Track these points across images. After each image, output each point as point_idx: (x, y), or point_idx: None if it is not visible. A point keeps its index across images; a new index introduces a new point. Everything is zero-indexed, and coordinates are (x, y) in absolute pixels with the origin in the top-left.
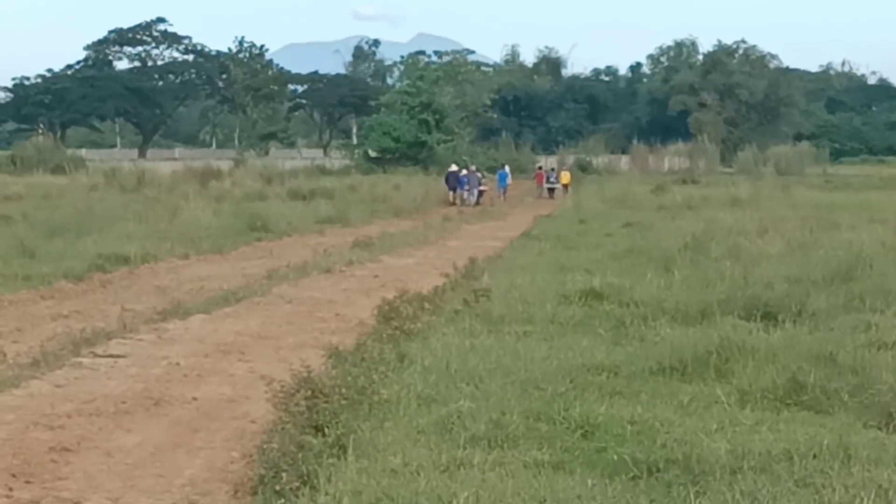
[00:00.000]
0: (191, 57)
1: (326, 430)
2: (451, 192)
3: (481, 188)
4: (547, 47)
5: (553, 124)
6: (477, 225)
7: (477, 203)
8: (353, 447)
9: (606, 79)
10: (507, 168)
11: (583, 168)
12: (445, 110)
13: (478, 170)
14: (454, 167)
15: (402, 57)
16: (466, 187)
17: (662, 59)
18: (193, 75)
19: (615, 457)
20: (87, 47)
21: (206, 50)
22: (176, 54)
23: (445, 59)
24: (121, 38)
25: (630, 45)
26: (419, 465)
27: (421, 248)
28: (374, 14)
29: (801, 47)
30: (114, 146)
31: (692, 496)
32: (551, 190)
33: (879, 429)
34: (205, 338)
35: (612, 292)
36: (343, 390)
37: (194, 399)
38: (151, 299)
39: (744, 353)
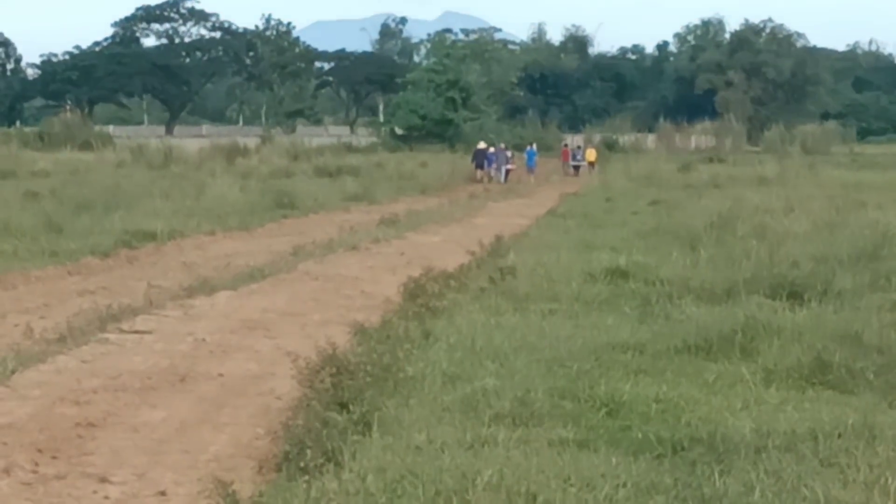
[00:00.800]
0: (218, 34)
1: (351, 406)
2: (478, 170)
3: (509, 166)
4: (574, 25)
5: (579, 103)
6: (503, 202)
7: (505, 181)
8: (377, 424)
9: (633, 57)
10: (534, 146)
11: (609, 146)
12: (472, 88)
13: (506, 148)
14: (482, 144)
15: (429, 35)
16: (494, 165)
17: (689, 37)
18: (220, 52)
19: (640, 435)
20: (115, 24)
21: (234, 27)
22: (203, 31)
23: (472, 37)
24: (148, 15)
25: (657, 24)
26: (444, 442)
27: (447, 225)
28: None
29: (828, 26)
30: (141, 123)
31: (717, 475)
32: (577, 167)
33: None
34: (231, 314)
35: (637, 270)
36: (368, 367)
37: (220, 375)
38: (178, 276)
39: (769, 331)
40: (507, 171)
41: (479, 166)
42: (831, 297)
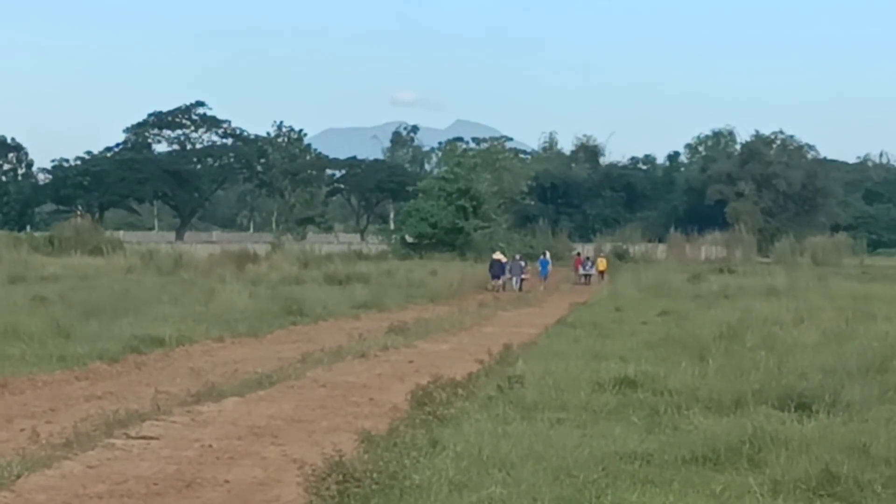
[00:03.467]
0: (229, 140)
1: None
2: (494, 280)
3: (524, 276)
4: (585, 135)
5: (590, 212)
6: (512, 311)
7: (520, 290)
8: None
9: (644, 167)
10: (547, 255)
11: (620, 256)
12: (483, 197)
13: (521, 258)
14: (498, 255)
15: (441, 143)
16: (509, 275)
17: (700, 148)
18: (232, 159)
19: None
20: (127, 130)
21: (245, 134)
22: (215, 138)
23: (483, 145)
24: (160, 121)
25: (668, 134)
26: None
27: (456, 333)
28: (412, 100)
29: (838, 138)
30: (152, 228)
31: None
32: (588, 276)
33: None
34: (238, 420)
35: (646, 380)
36: (374, 475)
37: (226, 482)
38: (185, 381)
39: (777, 443)
40: (522, 281)
41: (496, 276)
42: (840, 409)
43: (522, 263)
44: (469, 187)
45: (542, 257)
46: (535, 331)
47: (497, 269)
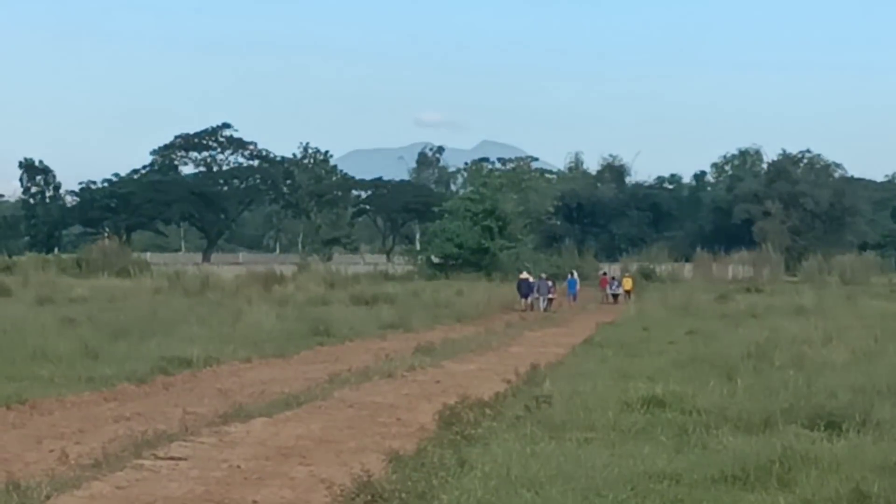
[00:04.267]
0: (256, 162)
1: None
2: (522, 300)
3: (551, 295)
4: (611, 155)
5: (616, 231)
6: (539, 331)
7: (546, 309)
8: None
9: (670, 187)
10: (575, 275)
11: (646, 276)
12: (509, 217)
13: (548, 278)
14: (525, 275)
15: (466, 163)
16: (536, 294)
17: (727, 167)
18: (258, 180)
19: None
20: (154, 152)
21: (271, 155)
22: (241, 159)
23: (509, 165)
24: (187, 143)
25: (694, 153)
26: None
27: (483, 353)
28: (437, 121)
29: (866, 157)
30: (178, 250)
31: None
32: (615, 296)
33: None
34: (266, 441)
35: (674, 400)
36: (403, 495)
37: (254, 502)
38: (213, 402)
39: (807, 462)
40: (550, 301)
41: (525, 296)
42: (870, 428)
43: (549, 283)
44: (495, 207)
45: (570, 277)
46: (563, 350)
47: (525, 289)
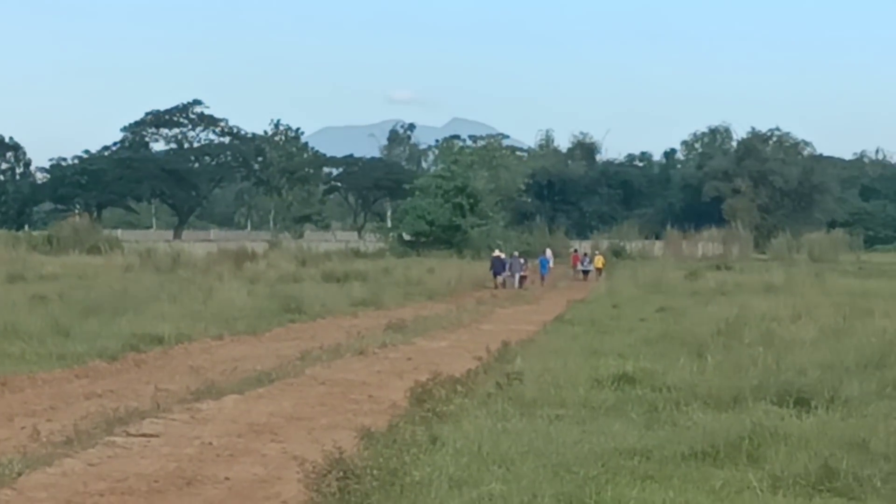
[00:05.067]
0: (227, 139)
1: None
2: (495, 277)
3: (523, 273)
4: (581, 132)
5: (587, 209)
6: (510, 308)
7: (520, 286)
8: None
9: (640, 164)
10: (548, 253)
11: (616, 253)
12: (480, 194)
13: (521, 255)
14: (498, 252)
15: (437, 141)
16: (508, 272)
17: (696, 145)
18: (229, 157)
19: None
20: (124, 129)
21: (242, 132)
22: (212, 136)
23: (480, 143)
24: (157, 119)
25: (664, 132)
26: None
27: (454, 331)
28: (409, 98)
29: (834, 135)
30: (150, 227)
31: None
32: (585, 273)
33: None
34: (238, 418)
35: (644, 377)
36: (375, 472)
37: (226, 479)
38: (185, 379)
39: (776, 438)
40: (522, 278)
41: (497, 273)
42: (838, 405)
43: (522, 261)
44: (466, 185)
45: (542, 256)
46: (534, 328)
47: (498, 267)
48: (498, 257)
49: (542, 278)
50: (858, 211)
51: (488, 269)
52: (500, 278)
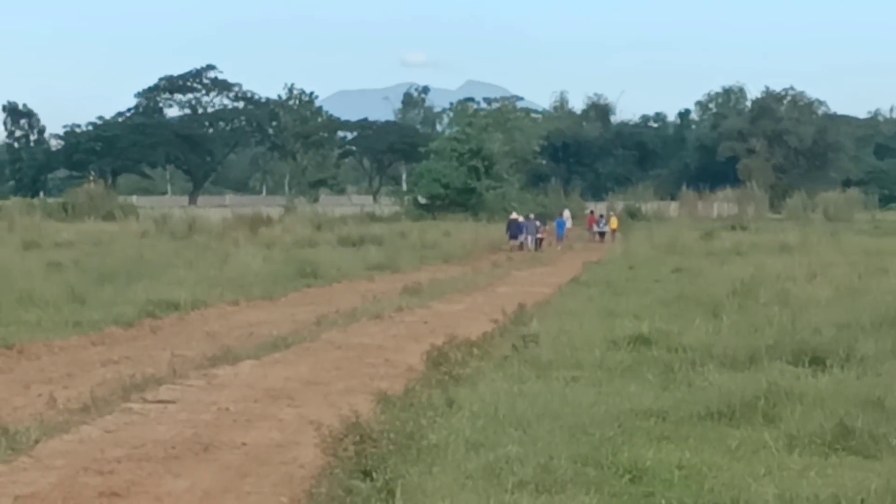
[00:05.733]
0: (241, 104)
1: (374, 474)
2: (511, 240)
3: (539, 235)
4: (596, 94)
5: (602, 171)
6: (526, 271)
7: (536, 249)
8: (401, 492)
9: (655, 125)
10: (566, 215)
11: (632, 214)
12: (494, 157)
13: (537, 218)
14: (514, 215)
15: (452, 104)
16: (525, 234)
17: (711, 105)
18: (244, 122)
19: (663, 501)
20: (138, 95)
21: (256, 97)
22: (226, 101)
23: (495, 105)
24: (171, 85)
25: (678, 92)
26: None
27: (470, 294)
28: (422, 61)
29: (849, 93)
30: (165, 193)
31: None
32: (602, 234)
33: None
34: (254, 383)
35: (660, 338)
36: (391, 435)
37: (243, 444)
38: (201, 345)
39: (792, 398)
40: (539, 240)
41: (513, 236)
42: (854, 363)
43: (538, 223)
44: (481, 147)
45: (559, 217)
46: (549, 290)
47: (514, 229)
48: (515, 220)
49: (559, 240)
50: (873, 170)
51: (504, 232)
52: (516, 241)
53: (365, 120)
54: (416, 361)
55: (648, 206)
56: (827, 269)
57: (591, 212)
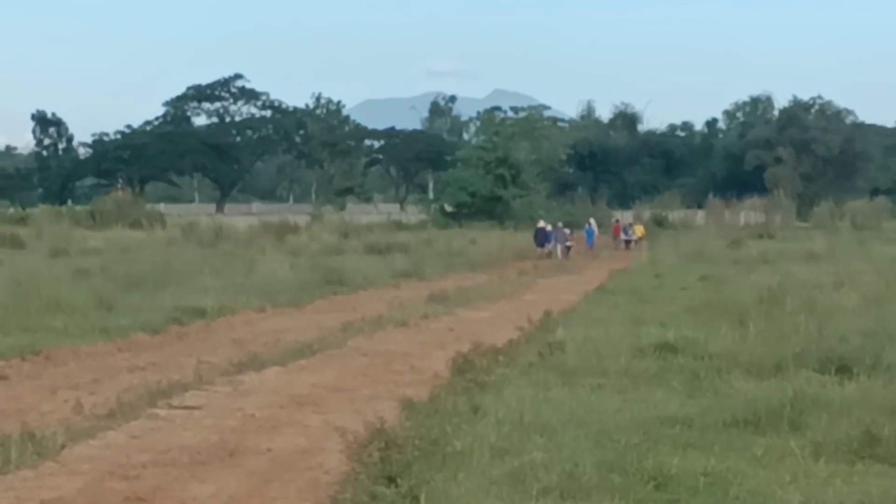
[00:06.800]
0: (268, 112)
1: (399, 480)
2: (539, 248)
3: (568, 243)
4: (623, 103)
5: (629, 179)
6: (552, 279)
7: (564, 257)
8: (425, 498)
9: (682, 134)
10: (593, 223)
11: (659, 223)
12: (521, 165)
13: (564, 226)
14: (542, 223)
15: (479, 112)
16: (554, 243)
17: (738, 114)
18: (271, 131)
19: None
20: (166, 103)
21: (284, 106)
22: (253, 110)
23: (521, 114)
24: (199, 94)
25: (706, 101)
26: None
27: (496, 301)
28: (449, 70)
29: (877, 102)
30: (192, 201)
31: None
32: (627, 242)
33: None
34: (280, 390)
35: (686, 345)
36: (416, 441)
37: (269, 450)
38: (227, 352)
39: (818, 405)
40: (568, 248)
41: (541, 244)
42: (880, 372)
43: (567, 231)
44: (507, 156)
45: (588, 226)
46: (575, 297)
47: (542, 238)
48: (542, 228)
49: (590, 248)
50: None
51: (532, 240)
52: (544, 249)
53: (392, 129)
54: (441, 368)
55: (675, 215)
56: (854, 277)
57: (617, 221)
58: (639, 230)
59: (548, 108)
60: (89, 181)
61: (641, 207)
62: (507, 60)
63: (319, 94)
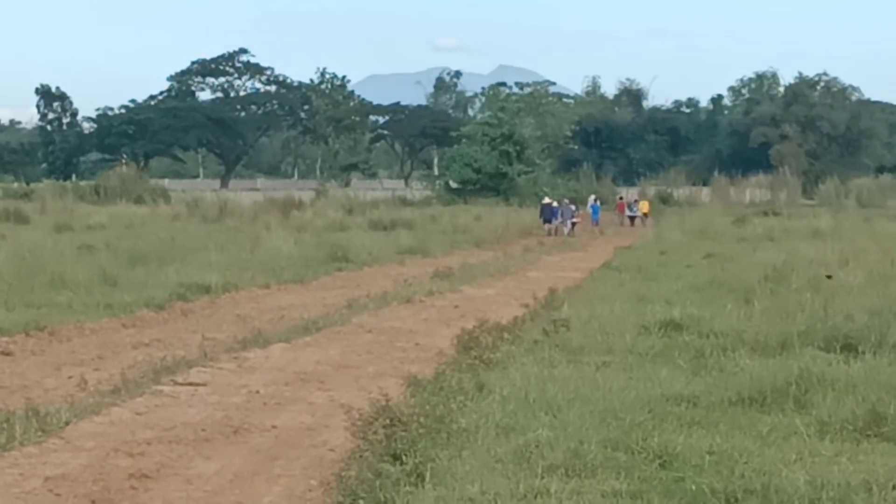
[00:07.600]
0: (273, 88)
1: (404, 458)
2: (545, 224)
3: (575, 220)
4: (628, 79)
5: (634, 156)
6: (557, 256)
7: (570, 234)
8: (430, 475)
9: (687, 111)
10: (597, 200)
11: (664, 200)
12: (526, 141)
13: (571, 202)
14: (547, 200)
15: (484, 88)
16: (560, 219)
17: (744, 91)
18: (275, 106)
19: (693, 487)
20: (170, 78)
21: (289, 81)
22: (258, 85)
23: (527, 90)
24: (203, 68)
25: (711, 78)
26: (497, 493)
27: (501, 278)
28: (454, 46)
29: (882, 79)
30: (196, 176)
31: None
32: (632, 218)
33: None
34: (285, 366)
35: (691, 323)
36: (421, 419)
37: (274, 427)
38: (232, 328)
39: (823, 384)
40: (574, 224)
41: (547, 221)
42: (886, 350)
43: (573, 208)
44: (513, 132)
45: (592, 203)
46: (580, 275)
47: (548, 214)
48: (548, 204)
49: (595, 224)
50: None
51: (537, 217)
52: (550, 225)
53: (397, 104)
54: (446, 345)
55: (680, 192)
56: (859, 255)
57: (621, 197)
58: (644, 206)
59: (553, 84)
60: (93, 156)
61: (647, 184)
62: (512, 36)
63: (324, 69)
